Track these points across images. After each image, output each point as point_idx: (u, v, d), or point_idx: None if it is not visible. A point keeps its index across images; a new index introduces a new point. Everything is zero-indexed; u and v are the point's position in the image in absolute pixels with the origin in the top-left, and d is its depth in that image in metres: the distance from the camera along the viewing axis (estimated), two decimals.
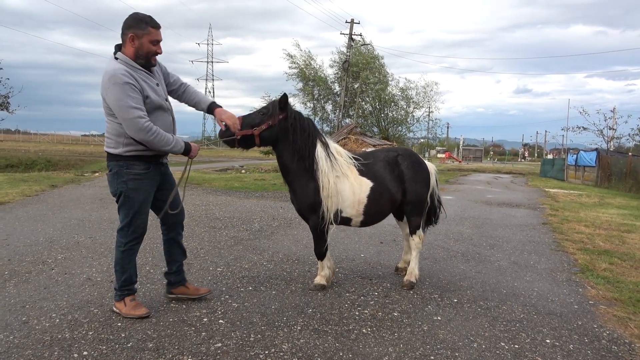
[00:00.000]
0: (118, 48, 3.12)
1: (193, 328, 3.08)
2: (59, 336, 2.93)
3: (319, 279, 3.92)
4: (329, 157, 3.75)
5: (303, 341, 2.93)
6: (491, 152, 64.58)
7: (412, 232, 4.17)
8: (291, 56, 30.56)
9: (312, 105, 31.11)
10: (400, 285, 4.07)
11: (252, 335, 2.99)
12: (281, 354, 2.76)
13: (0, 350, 2.73)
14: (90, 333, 2.98)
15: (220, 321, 3.20)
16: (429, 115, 32.89)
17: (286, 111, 3.68)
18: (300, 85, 30.71)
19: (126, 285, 3.26)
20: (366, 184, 3.86)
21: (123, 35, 3.09)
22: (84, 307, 3.42)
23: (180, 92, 3.56)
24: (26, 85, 35.88)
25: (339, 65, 30.86)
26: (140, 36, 3.06)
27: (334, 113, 31.24)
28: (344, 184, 3.78)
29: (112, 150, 3.14)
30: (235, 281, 4.11)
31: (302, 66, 30.60)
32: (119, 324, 3.12)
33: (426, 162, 4.33)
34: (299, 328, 3.12)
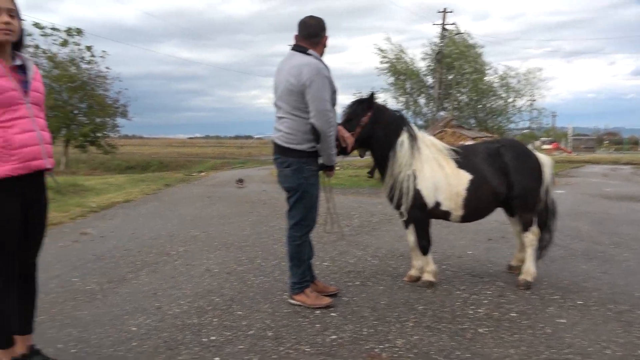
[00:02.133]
0: (298, 47, 3.30)
1: (307, 320, 3.19)
2: (189, 321, 3.20)
3: (427, 275, 3.85)
4: (412, 149, 3.66)
5: (417, 338, 2.89)
6: (606, 142, 58.53)
7: (525, 228, 3.92)
8: (382, 51, 30.24)
9: (404, 99, 30.56)
10: (516, 285, 3.85)
11: (364, 329, 3.02)
12: (396, 349, 2.75)
13: (142, 331, 3.05)
14: (215, 320, 3.21)
15: (332, 314, 3.28)
16: (531, 104, 30.65)
17: (372, 107, 3.69)
18: (391, 79, 30.31)
19: (305, 278, 3.41)
20: (464, 177, 3.70)
21: (315, 36, 3.30)
22: (206, 296, 3.69)
23: None
24: (139, 94, 39.71)
25: (431, 57, 29.97)
26: (326, 39, 3.37)
27: (428, 106, 30.42)
28: (439, 175, 3.67)
29: (296, 147, 3.25)
30: (343, 276, 4.18)
31: (393, 60, 30.16)
32: (240, 313, 3.33)
33: (539, 154, 4.04)
34: (411, 324, 3.09)
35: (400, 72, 29.95)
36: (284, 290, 3.74)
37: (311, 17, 3.35)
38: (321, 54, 3.34)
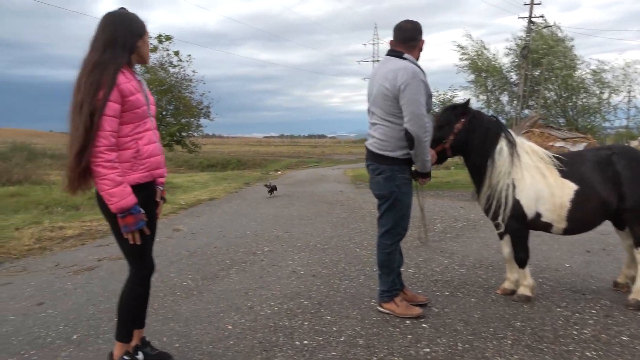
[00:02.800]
0: (393, 51, 3.27)
1: (398, 329, 3.15)
2: (280, 323, 3.28)
3: (524, 290, 3.64)
4: (511, 157, 3.46)
5: (517, 357, 2.75)
6: None
7: (637, 243, 3.57)
8: (461, 47, 29.21)
9: (485, 97, 29.29)
10: (625, 305, 3.53)
11: (459, 344, 2.92)
12: None
13: (237, 330, 3.18)
14: (306, 324, 3.27)
15: (424, 325, 3.21)
16: (629, 100, 28.01)
17: (467, 113, 3.55)
18: (471, 77, 29.16)
19: (394, 286, 3.39)
20: (569, 187, 3.45)
21: (412, 40, 3.26)
22: (295, 299, 3.77)
23: None
24: (220, 95, 41.60)
25: (515, 52, 28.41)
26: (423, 43, 3.33)
27: (511, 104, 28.90)
28: (540, 185, 3.45)
29: (389, 154, 3.21)
30: (430, 284, 4.08)
31: (474, 57, 28.99)
32: (329, 318, 3.37)
33: None
34: (509, 342, 2.94)
35: (481, 69, 28.74)
36: (371, 297, 3.72)
37: (407, 21, 3.29)
38: (417, 58, 3.27)
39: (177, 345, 3.00)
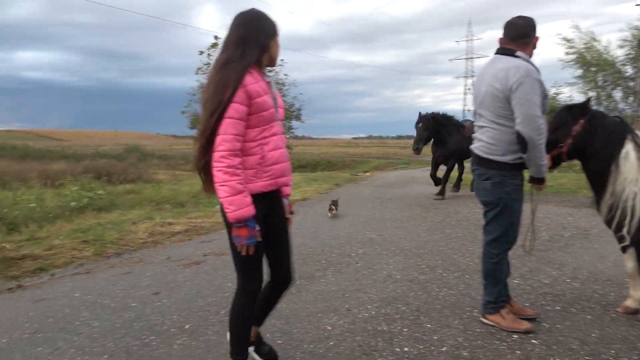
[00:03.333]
0: (503, 49, 3.10)
1: (505, 344, 2.98)
2: (379, 328, 3.27)
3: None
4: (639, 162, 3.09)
5: None
6: None
7: None
8: (568, 40, 26.94)
9: (594, 93, 26.77)
10: None
11: None
12: None
13: (336, 332, 3.22)
14: (405, 330, 3.22)
15: (534, 341, 3.00)
16: None
17: (586, 114, 3.25)
18: (579, 72, 26.79)
19: (501, 298, 3.22)
20: None
21: (526, 36, 3.07)
22: (392, 303, 3.73)
23: None
24: (310, 97, 42.53)
25: (631, 43, 25.60)
26: (537, 39, 3.13)
27: (625, 101, 26.12)
28: None
29: (499, 158, 3.04)
30: (538, 297, 3.81)
31: (582, 50, 26.61)
32: (429, 326, 3.28)
33: None
34: None
35: (590, 63, 26.28)
36: (473, 307, 3.57)
37: (520, 17, 3.10)
38: (530, 56, 3.07)
39: (279, 342, 3.11)
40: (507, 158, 3.03)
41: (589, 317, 3.38)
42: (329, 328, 3.29)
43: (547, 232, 6.32)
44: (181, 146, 45.90)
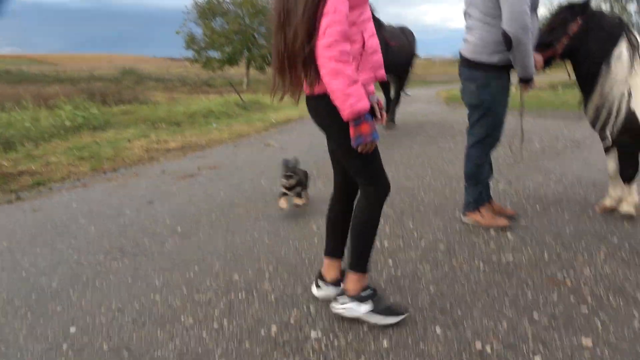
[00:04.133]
0: None
1: (481, 238, 3.11)
2: None
3: (626, 207, 3.36)
4: (631, 62, 3.01)
5: (609, 270, 2.60)
6: None
7: None
8: None
9: (607, 6, 25.50)
10: None
11: (545, 254, 2.83)
12: (582, 277, 2.53)
13: (322, 231, 3.36)
14: (387, 229, 3.34)
15: (509, 236, 3.13)
16: None
17: (585, 14, 3.11)
18: None
19: (480, 197, 3.28)
20: None
21: None
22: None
23: None
24: None
25: None
26: None
27: None
28: None
29: (485, 59, 2.96)
30: (521, 199, 3.91)
31: None
32: (410, 225, 3.41)
33: None
34: (602, 256, 2.78)
35: None
36: (455, 208, 3.68)
37: None
38: None
39: (267, 240, 3.25)
40: (495, 59, 2.95)
41: (566, 216, 3.49)
42: (314, 228, 3.42)
43: (539, 143, 6.34)
44: (178, 69, 44.75)
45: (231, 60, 29.94)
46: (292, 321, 2.24)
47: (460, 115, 9.33)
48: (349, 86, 1.80)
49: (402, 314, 2.16)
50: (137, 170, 5.75)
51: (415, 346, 2.01)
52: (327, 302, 2.32)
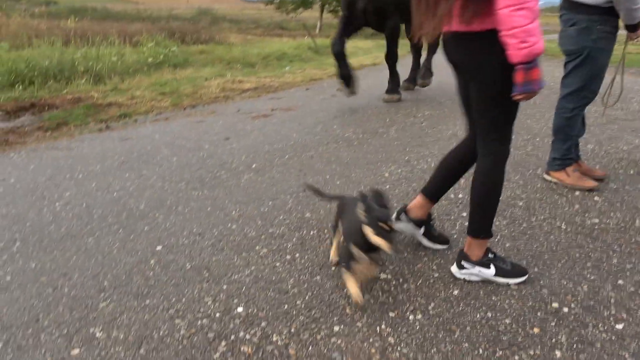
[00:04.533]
0: None
1: (564, 198, 2.94)
2: None
3: None
4: None
5: None
6: None
7: None
8: None
9: None
10: None
11: (637, 221, 2.62)
12: None
13: (393, 178, 3.33)
14: (462, 180, 3.20)
15: (596, 198, 2.93)
16: None
17: None
18: None
19: (568, 155, 3.09)
20: None
21: None
22: None
23: None
24: None
25: None
26: None
27: None
28: None
29: (589, 0, 2.72)
30: (611, 161, 3.62)
31: None
32: None
33: None
34: None
35: None
36: (538, 166, 3.48)
37: None
38: None
39: (338, 182, 3.28)
40: (600, 1, 2.65)
41: None
42: (387, 174, 3.39)
43: (638, 103, 5.76)
44: (252, 10, 44.75)
45: (305, 3, 29.40)
46: None
47: (548, 71, 8.64)
48: (531, 22, 1.59)
49: (526, 273, 2.09)
50: (214, 108, 5.94)
51: (486, 298, 1.98)
52: (395, 246, 2.33)
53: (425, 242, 2.36)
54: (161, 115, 5.63)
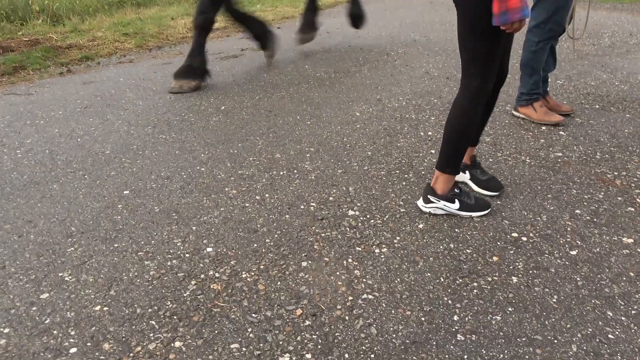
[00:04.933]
0: None
1: (530, 133, 2.99)
2: (407, 116, 3.31)
3: None
4: None
5: None
6: None
7: None
8: None
9: None
10: None
11: (598, 153, 2.70)
12: (635, 179, 2.43)
13: (364, 117, 3.31)
14: (432, 118, 3.25)
15: (561, 132, 2.99)
16: None
17: None
18: None
19: (535, 90, 3.09)
20: None
21: None
22: (424, 96, 3.71)
23: None
24: None
25: None
26: None
27: None
28: None
29: None
30: (579, 97, 3.66)
31: None
32: None
33: None
34: None
35: None
36: (508, 102, 3.50)
37: None
38: None
39: (308, 123, 3.24)
40: None
41: (627, 115, 3.27)
42: (358, 114, 3.37)
43: (609, 39, 5.75)
44: None
45: None
46: (330, 199, 2.31)
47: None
48: None
49: (489, 206, 2.15)
50: (181, 49, 5.69)
51: (450, 230, 2.05)
52: (363, 184, 2.37)
53: (474, 187, 2.33)
54: (125, 58, 5.38)
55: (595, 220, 2.10)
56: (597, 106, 3.45)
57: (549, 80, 3.43)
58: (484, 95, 1.97)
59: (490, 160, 2.65)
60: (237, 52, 5.42)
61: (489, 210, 2.15)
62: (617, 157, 2.66)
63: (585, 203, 2.23)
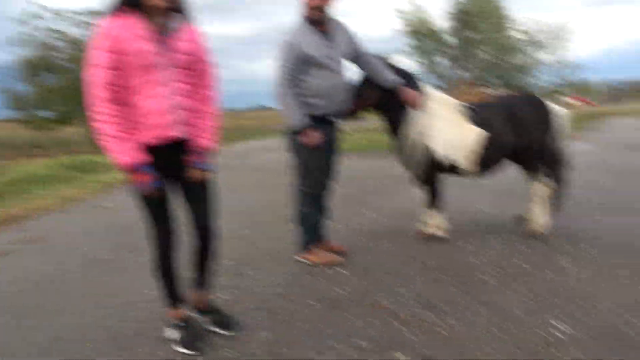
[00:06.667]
0: None
1: (315, 277, 3.24)
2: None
3: (431, 229, 3.87)
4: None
5: (422, 288, 2.92)
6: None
7: (535, 178, 3.87)
8: (402, 12, 29.30)
9: (423, 60, 29.71)
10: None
11: (372, 285, 3.05)
12: (402, 299, 2.78)
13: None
14: (222, 279, 3.29)
15: (340, 270, 3.32)
16: (558, 59, 29.26)
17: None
18: (410, 41, 29.41)
19: (308, 238, 3.52)
20: (475, 131, 3.62)
21: None
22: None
23: None
24: None
25: (453, 15, 28.87)
26: None
27: (451, 68, 29.54)
28: (449, 130, 3.60)
29: None
30: (354, 235, 4.19)
31: (414, 21, 29.20)
32: (250, 273, 3.40)
33: (554, 105, 3.93)
34: (418, 278, 3.11)
35: (420, 33, 29.00)
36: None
37: None
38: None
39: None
40: None
41: (393, 247, 3.84)
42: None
43: (372, 183, 6.95)
44: (5, 130, 39.13)
45: (65, 119, 26.86)
46: None
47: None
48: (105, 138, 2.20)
49: (195, 350, 2.40)
50: None
51: None
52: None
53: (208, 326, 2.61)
54: None
55: (372, 345, 2.28)
56: (368, 243, 4.00)
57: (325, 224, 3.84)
58: (161, 238, 2.43)
59: (282, 314, 2.75)
60: (7, 246, 4.82)
61: (193, 353, 2.38)
62: (387, 283, 3.04)
63: (362, 331, 2.43)
